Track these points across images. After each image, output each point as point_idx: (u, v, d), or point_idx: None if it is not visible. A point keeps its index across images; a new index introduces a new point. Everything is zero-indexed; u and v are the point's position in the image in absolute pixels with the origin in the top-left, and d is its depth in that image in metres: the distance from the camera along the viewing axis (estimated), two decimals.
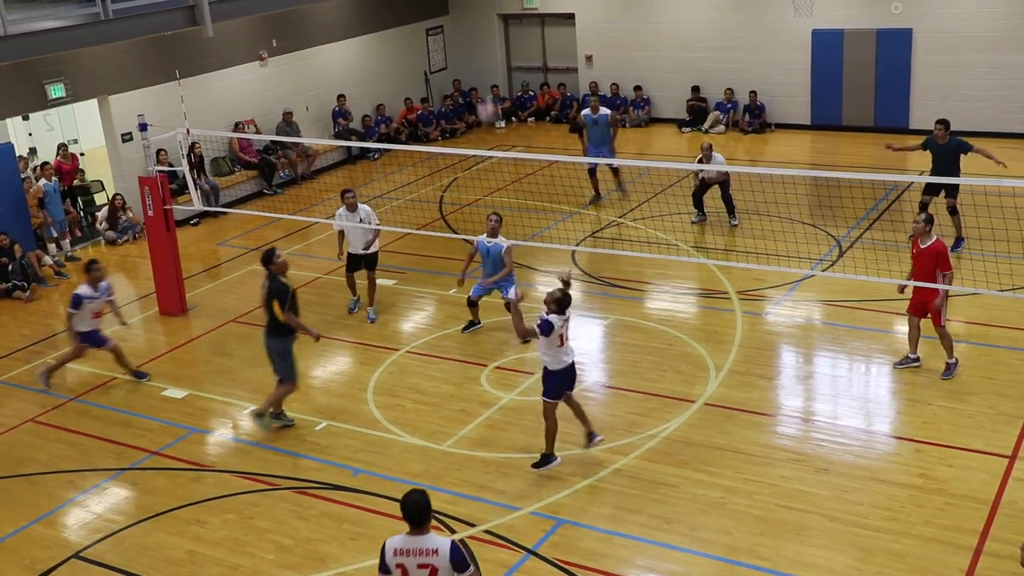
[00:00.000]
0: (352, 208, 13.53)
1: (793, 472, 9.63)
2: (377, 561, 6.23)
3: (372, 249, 13.70)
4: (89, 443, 11.13)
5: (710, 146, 15.81)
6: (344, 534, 9.17)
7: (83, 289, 11.97)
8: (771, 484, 9.45)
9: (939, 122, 14.37)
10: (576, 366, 9.77)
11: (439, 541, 6.15)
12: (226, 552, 9.06)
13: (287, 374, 10.85)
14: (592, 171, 17.70)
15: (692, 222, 16.47)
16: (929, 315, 11.01)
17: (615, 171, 17.77)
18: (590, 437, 10.02)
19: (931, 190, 14.63)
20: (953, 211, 14.41)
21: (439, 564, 6.07)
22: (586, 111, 17.75)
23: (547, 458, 9.83)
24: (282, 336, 10.67)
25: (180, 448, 10.89)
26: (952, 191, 14.35)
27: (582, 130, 17.81)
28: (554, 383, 9.64)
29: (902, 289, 11.47)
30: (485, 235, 12.79)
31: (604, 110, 17.66)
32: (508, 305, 12.00)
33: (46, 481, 10.46)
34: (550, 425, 9.74)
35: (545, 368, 9.62)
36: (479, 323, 13.09)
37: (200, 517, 9.60)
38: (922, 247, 10.94)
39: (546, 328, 9.37)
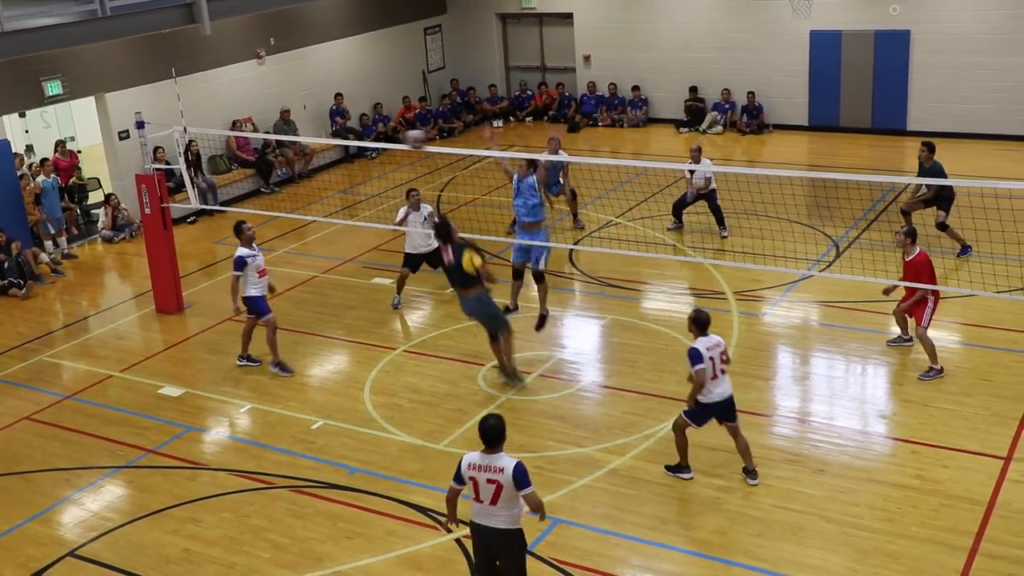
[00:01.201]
0: (416, 207, 13.57)
1: (789, 473, 9.63)
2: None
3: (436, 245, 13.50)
4: (85, 441, 11.12)
5: (699, 148, 15.55)
6: (340, 533, 9.16)
7: (242, 251, 12.12)
8: (767, 485, 9.45)
9: (924, 144, 14.13)
10: (733, 399, 9.35)
11: (507, 461, 6.97)
12: (222, 550, 9.05)
13: (501, 323, 11.20)
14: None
15: (668, 228, 16.20)
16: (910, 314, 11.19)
17: (573, 199, 16.64)
18: (750, 474, 9.50)
19: (926, 197, 14.56)
20: (943, 227, 14.21)
21: (504, 481, 6.92)
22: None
23: (680, 468, 9.61)
24: (476, 293, 10.98)
25: (176, 446, 10.88)
26: (944, 205, 14.20)
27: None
28: (701, 410, 9.32)
29: (887, 291, 11.70)
30: (516, 173, 11.93)
31: (563, 155, 15.44)
32: (538, 276, 11.69)
33: (41, 479, 10.44)
34: (678, 440, 9.51)
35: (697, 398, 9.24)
36: (515, 309, 12.38)
37: (196, 515, 9.59)
38: (906, 260, 11.09)
39: (694, 356, 9.12)
